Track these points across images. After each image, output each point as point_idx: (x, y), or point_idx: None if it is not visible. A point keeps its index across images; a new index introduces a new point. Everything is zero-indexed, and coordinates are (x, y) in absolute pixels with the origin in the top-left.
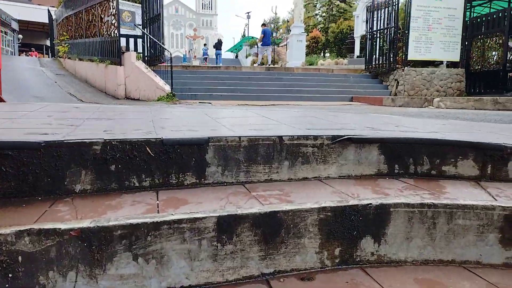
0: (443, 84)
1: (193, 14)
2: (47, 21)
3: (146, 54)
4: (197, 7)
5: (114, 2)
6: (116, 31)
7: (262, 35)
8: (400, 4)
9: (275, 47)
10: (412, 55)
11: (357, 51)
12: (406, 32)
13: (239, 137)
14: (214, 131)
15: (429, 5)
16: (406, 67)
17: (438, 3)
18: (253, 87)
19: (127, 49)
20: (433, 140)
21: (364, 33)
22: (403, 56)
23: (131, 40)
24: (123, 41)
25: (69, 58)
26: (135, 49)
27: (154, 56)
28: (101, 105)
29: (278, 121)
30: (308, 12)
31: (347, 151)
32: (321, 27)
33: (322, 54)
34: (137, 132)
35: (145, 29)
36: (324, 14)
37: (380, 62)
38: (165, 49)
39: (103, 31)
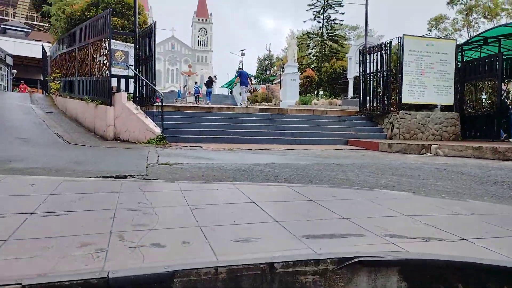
0: (438, 128)
1: (189, 50)
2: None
3: (137, 95)
4: (193, 44)
5: (107, 43)
6: (107, 71)
7: (238, 77)
8: (392, 48)
9: (269, 84)
10: (406, 99)
11: (350, 92)
12: (400, 76)
13: (216, 268)
14: (186, 246)
15: (421, 50)
16: (400, 111)
17: (430, 48)
18: (246, 129)
19: (118, 89)
20: (469, 264)
21: (357, 74)
22: (397, 99)
23: (123, 81)
24: (114, 81)
25: (60, 95)
26: (126, 90)
27: (145, 97)
28: (65, 180)
29: (270, 215)
30: (301, 51)
31: (358, 278)
32: (314, 66)
33: (315, 93)
34: (76, 258)
35: (137, 69)
36: (317, 53)
37: (374, 104)
38: (156, 90)
39: (94, 70)
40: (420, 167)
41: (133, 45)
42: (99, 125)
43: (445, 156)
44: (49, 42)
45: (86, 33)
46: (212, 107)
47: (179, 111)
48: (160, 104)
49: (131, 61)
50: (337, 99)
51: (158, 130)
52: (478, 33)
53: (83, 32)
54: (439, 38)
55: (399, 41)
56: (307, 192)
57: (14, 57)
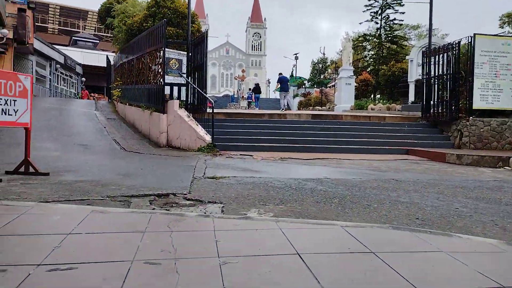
0: None
1: (243, 55)
2: None
3: (189, 102)
4: (247, 49)
5: (161, 52)
6: (161, 79)
7: (278, 83)
8: (461, 49)
9: (323, 88)
10: (477, 104)
11: (411, 97)
12: (470, 79)
13: None
14: None
15: (495, 50)
16: (471, 117)
17: (506, 47)
18: (298, 137)
19: (171, 97)
20: None
21: (419, 77)
22: (467, 104)
23: (176, 88)
24: (167, 89)
25: (121, 102)
26: (179, 97)
27: (197, 104)
28: (93, 211)
29: None
30: (357, 54)
31: None
32: (371, 69)
33: (372, 97)
34: None
35: (190, 77)
36: (374, 56)
37: (440, 110)
38: (207, 98)
39: (150, 78)
40: (500, 187)
41: (186, 53)
42: (153, 132)
43: None
44: (114, 52)
45: (143, 43)
46: (263, 114)
47: (230, 118)
48: (211, 110)
49: (184, 69)
50: (396, 104)
51: (208, 138)
52: None
53: (141, 42)
54: None
55: (469, 40)
56: (365, 237)
57: (83, 66)
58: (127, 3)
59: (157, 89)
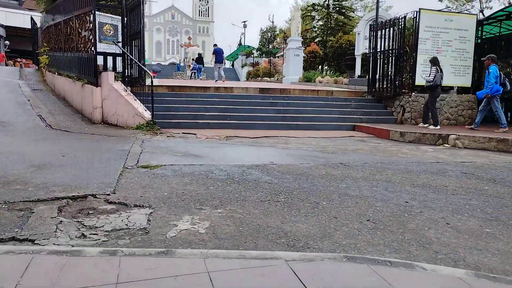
0: (453, 112)
1: (190, 21)
2: None
3: (127, 74)
4: (194, 14)
5: (91, 16)
6: (93, 48)
7: (214, 55)
8: (406, 24)
9: (271, 58)
10: (420, 80)
11: (358, 70)
12: (414, 54)
13: None
14: None
15: (438, 25)
16: (413, 93)
17: (448, 23)
18: (245, 113)
19: (105, 68)
20: None
21: (366, 51)
22: (410, 80)
23: (110, 58)
24: (101, 59)
25: (49, 71)
26: (114, 68)
27: (135, 77)
28: None
29: None
30: (306, 24)
31: None
32: (319, 40)
33: (320, 69)
34: None
35: (126, 46)
36: (322, 27)
37: (385, 86)
38: (146, 70)
39: (80, 46)
40: (444, 171)
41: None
42: (86, 107)
43: (464, 148)
44: (41, 12)
45: (71, 5)
46: (209, 88)
47: (173, 92)
48: (151, 83)
49: (120, 37)
50: (343, 77)
51: (147, 115)
52: (503, 7)
53: (68, 3)
54: (459, 13)
55: (415, 15)
56: (314, 280)
57: (7, 28)
58: None
59: (88, 59)
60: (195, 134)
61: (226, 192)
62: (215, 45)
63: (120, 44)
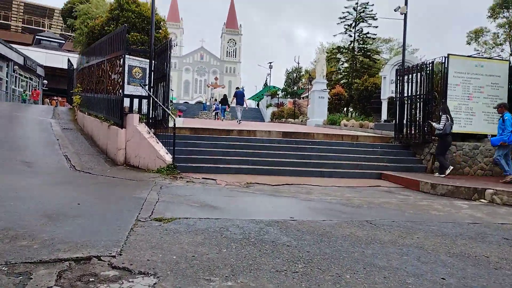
0: (488, 162)
1: (217, 61)
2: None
3: (151, 116)
4: (222, 55)
5: (121, 60)
6: (121, 90)
7: (234, 97)
8: (434, 68)
9: (296, 99)
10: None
11: (384, 114)
12: (443, 100)
13: None
14: None
15: (468, 71)
16: None
17: (479, 69)
18: (267, 157)
19: (131, 109)
20: None
21: (392, 95)
22: None
23: (136, 100)
24: (127, 101)
25: (80, 110)
26: (139, 110)
27: (159, 119)
28: None
29: None
30: (331, 66)
31: None
32: (344, 82)
33: (345, 111)
34: None
35: (152, 89)
36: (347, 69)
37: (412, 132)
38: (169, 114)
39: (110, 88)
40: (483, 236)
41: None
42: (111, 147)
43: (503, 205)
44: (79, 54)
45: (103, 49)
46: (232, 130)
47: (195, 135)
48: (173, 125)
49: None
50: (368, 120)
51: (169, 158)
52: None
53: (101, 47)
54: (490, 58)
55: (443, 61)
56: None
57: (46, 68)
58: (90, 4)
59: (116, 100)
60: (215, 180)
61: (239, 257)
62: (237, 88)
63: (146, 87)
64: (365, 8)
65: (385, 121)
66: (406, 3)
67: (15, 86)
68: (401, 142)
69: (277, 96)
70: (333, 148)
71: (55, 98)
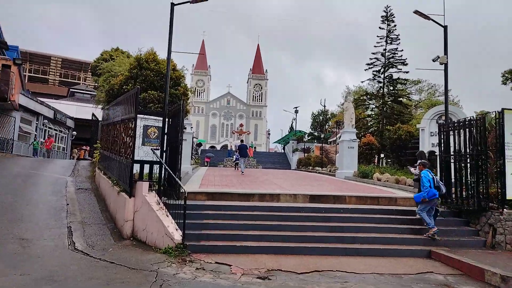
0: None
1: (244, 106)
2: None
3: (162, 183)
4: (248, 99)
5: (133, 123)
6: (131, 155)
7: (238, 150)
8: (487, 123)
9: (324, 145)
10: None
11: None
12: (499, 162)
13: None
14: None
15: None
16: (504, 209)
17: None
18: (292, 231)
19: (141, 175)
20: None
21: (433, 148)
22: (500, 193)
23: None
24: (137, 167)
25: (98, 168)
26: (150, 176)
27: (171, 187)
28: None
29: None
30: (360, 113)
31: None
32: (374, 130)
33: (376, 162)
34: None
35: (165, 153)
36: (377, 116)
37: (464, 196)
38: (180, 184)
39: (122, 150)
40: None
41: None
42: (119, 217)
43: None
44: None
45: (118, 109)
46: (253, 195)
47: (211, 202)
48: (184, 191)
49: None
50: (403, 172)
51: (177, 237)
52: None
53: (116, 107)
54: None
55: (497, 116)
56: None
57: (77, 119)
58: (114, 62)
59: (126, 165)
60: (230, 266)
61: None
62: (242, 140)
63: (158, 152)
64: (394, 53)
65: None
66: (445, 52)
67: (43, 139)
68: (450, 208)
69: (303, 140)
70: (369, 217)
71: (84, 147)
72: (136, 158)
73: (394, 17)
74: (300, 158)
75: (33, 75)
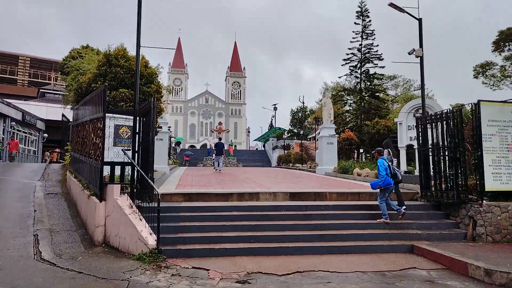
0: None
1: (223, 104)
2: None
3: (135, 185)
4: (227, 97)
5: (101, 123)
6: (100, 157)
7: (215, 148)
8: (463, 115)
9: (303, 141)
10: (490, 184)
11: (403, 164)
12: (478, 153)
13: None
14: None
15: (505, 119)
16: (484, 201)
17: None
18: (272, 231)
19: (112, 177)
20: None
21: (411, 142)
22: (478, 185)
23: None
24: (108, 169)
25: (69, 171)
26: (121, 178)
27: (144, 188)
28: None
29: None
30: (338, 109)
31: None
32: (352, 125)
33: (356, 156)
34: None
35: (137, 153)
36: (355, 111)
37: (443, 188)
38: (153, 186)
39: (91, 152)
40: None
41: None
42: (90, 222)
43: None
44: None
45: (86, 110)
46: (231, 194)
47: (188, 203)
48: (157, 193)
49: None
50: None
51: (151, 242)
52: None
53: (84, 107)
54: None
55: (473, 108)
56: None
57: (48, 121)
58: (82, 59)
59: (95, 167)
60: (207, 270)
61: None
62: (220, 138)
63: (130, 152)
64: (370, 49)
65: (405, 172)
66: (421, 45)
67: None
68: (429, 201)
69: (283, 138)
70: (350, 213)
71: (57, 150)
72: (107, 159)
73: (368, 12)
74: (280, 155)
75: (0, 75)
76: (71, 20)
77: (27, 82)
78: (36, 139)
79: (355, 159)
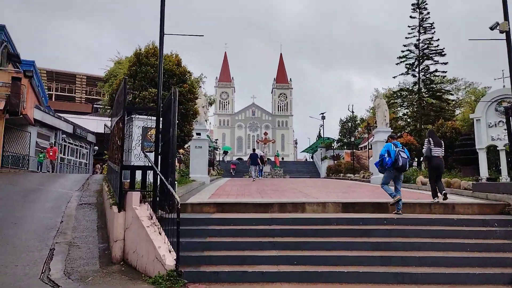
0: None
1: (269, 116)
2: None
3: (157, 193)
4: (273, 109)
5: (123, 121)
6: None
7: (249, 158)
8: None
9: (355, 150)
10: None
11: (484, 169)
12: None
13: None
14: None
15: None
16: None
17: None
18: (321, 250)
19: (132, 185)
20: None
21: (492, 142)
22: None
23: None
24: (127, 174)
25: (104, 180)
26: (143, 185)
27: (163, 197)
28: None
29: None
30: (392, 112)
31: None
32: (411, 129)
33: (416, 163)
34: None
35: (160, 155)
36: (413, 114)
37: None
38: (173, 193)
39: (115, 157)
40: None
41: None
42: (111, 235)
43: None
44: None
45: (114, 111)
46: (272, 204)
47: (220, 215)
48: (178, 205)
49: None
50: (458, 178)
51: (170, 262)
52: None
53: (113, 112)
54: None
55: None
56: None
57: (98, 134)
58: (120, 64)
59: (117, 173)
60: None
61: None
62: (253, 149)
63: (151, 156)
64: (429, 44)
65: (488, 179)
66: (506, 17)
67: (63, 155)
68: None
69: (332, 147)
70: (422, 229)
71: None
72: (132, 164)
73: (426, 4)
74: (330, 166)
75: (60, 93)
76: (126, 41)
77: (84, 99)
78: (87, 152)
79: (416, 166)
